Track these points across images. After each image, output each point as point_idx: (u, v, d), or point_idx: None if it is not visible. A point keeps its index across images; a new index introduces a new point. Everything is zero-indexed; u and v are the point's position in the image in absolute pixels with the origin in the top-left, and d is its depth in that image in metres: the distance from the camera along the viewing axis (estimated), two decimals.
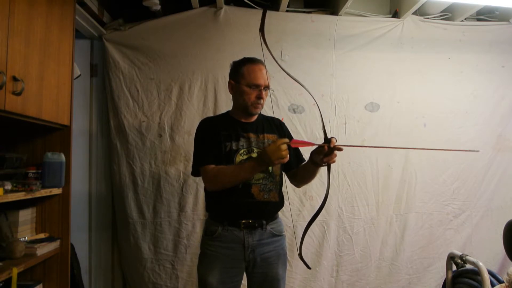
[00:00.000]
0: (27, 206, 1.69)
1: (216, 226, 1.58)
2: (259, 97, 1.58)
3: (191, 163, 1.67)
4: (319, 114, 1.53)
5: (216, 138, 1.58)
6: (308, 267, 1.63)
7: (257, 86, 1.57)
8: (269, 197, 1.59)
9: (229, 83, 1.66)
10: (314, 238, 2.49)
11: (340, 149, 1.40)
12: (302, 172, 1.66)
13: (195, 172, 1.64)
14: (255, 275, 1.60)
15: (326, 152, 1.41)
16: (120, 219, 2.38)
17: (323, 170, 1.56)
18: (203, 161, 1.57)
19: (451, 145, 2.66)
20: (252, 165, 1.47)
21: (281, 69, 1.53)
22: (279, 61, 2.46)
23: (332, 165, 1.49)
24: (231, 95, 1.69)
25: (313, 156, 1.48)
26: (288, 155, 1.41)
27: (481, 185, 2.72)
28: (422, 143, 2.60)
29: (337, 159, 1.45)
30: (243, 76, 1.58)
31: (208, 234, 1.61)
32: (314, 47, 2.52)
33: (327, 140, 1.40)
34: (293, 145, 1.42)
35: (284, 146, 1.38)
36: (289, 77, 1.52)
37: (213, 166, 1.54)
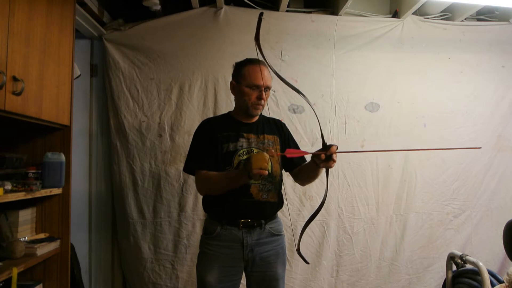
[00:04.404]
0: (27, 206, 1.69)
1: (215, 226, 1.58)
2: (260, 98, 1.59)
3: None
4: (317, 119, 1.52)
5: (213, 141, 1.60)
6: (306, 262, 1.63)
7: (257, 87, 1.58)
8: (268, 197, 1.59)
9: (231, 83, 1.67)
10: (314, 238, 2.49)
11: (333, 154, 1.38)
12: (305, 171, 1.66)
13: (187, 170, 1.65)
14: (254, 275, 1.60)
15: (323, 158, 1.40)
16: (120, 219, 2.38)
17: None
18: (197, 165, 1.59)
19: (451, 145, 2.66)
20: (236, 173, 1.47)
21: (277, 77, 1.49)
22: (279, 61, 2.48)
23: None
24: (232, 96, 1.70)
25: (314, 157, 1.49)
26: (269, 169, 1.37)
27: (481, 185, 2.72)
28: (422, 143, 2.60)
29: (337, 159, 1.44)
30: (244, 77, 1.59)
31: (207, 233, 1.62)
32: (314, 47, 2.52)
33: (325, 147, 1.40)
34: (288, 155, 1.40)
35: (267, 157, 1.36)
36: (286, 80, 1.50)
37: (204, 171, 1.56)
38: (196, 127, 1.71)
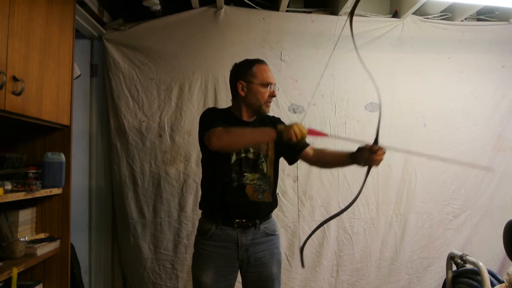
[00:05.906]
0: (27, 206, 1.68)
1: (209, 225, 1.58)
2: (272, 95, 1.60)
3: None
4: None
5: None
6: (303, 265, 1.63)
7: (269, 85, 1.58)
8: (262, 197, 1.60)
9: (239, 83, 1.59)
10: (314, 238, 2.49)
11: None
12: (331, 159, 1.65)
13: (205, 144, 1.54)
14: (249, 275, 1.60)
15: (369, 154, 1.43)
16: (120, 219, 2.38)
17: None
18: (213, 126, 1.47)
19: (451, 145, 2.67)
20: (267, 131, 1.43)
21: (360, 61, 1.61)
22: (279, 61, 2.48)
23: None
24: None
25: (358, 154, 1.49)
26: (296, 137, 1.36)
27: (481, 185, 2.72)
28: (422, 143, 2.61)
29: None
30: (256, 75, 1.57)
31: (201, 233, 1.62)
32: (314, 47, 2.52)
33: (376, 143, 1.45)
34: (310, 135, 1.39)
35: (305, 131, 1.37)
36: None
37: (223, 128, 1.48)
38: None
